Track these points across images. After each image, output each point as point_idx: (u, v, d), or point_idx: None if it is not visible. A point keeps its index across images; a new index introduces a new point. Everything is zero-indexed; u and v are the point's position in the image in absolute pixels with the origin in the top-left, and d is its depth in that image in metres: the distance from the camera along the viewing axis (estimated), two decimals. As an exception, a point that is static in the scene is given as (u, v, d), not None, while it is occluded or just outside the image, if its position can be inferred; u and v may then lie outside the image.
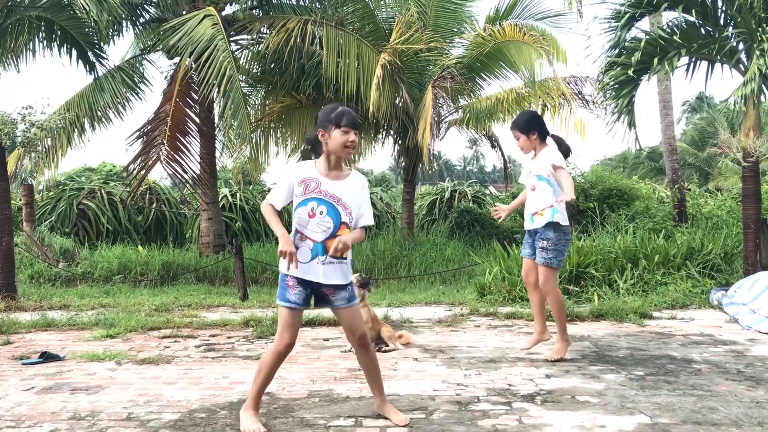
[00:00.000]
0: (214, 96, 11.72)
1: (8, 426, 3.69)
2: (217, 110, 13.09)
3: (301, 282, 3.49)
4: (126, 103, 13.12)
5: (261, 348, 5.75)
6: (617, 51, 8.63)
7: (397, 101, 12.45)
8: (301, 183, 3.51)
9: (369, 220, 3.59)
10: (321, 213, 3.46)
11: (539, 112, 13.13)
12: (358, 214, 3.55)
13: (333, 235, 3.44)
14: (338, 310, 3.61)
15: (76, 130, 12.98)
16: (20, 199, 14.18)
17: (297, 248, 3.47)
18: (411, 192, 14.10)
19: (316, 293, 3.58)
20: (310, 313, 7.23)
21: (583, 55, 28.81)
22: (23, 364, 5.26)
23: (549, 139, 5.20)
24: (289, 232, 3.52)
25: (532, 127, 5.10)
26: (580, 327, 6.58)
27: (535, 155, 5.16)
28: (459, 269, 10.70)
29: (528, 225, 5.15)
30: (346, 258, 3.51)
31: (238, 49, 13.47)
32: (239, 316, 7.06)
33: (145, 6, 13.31)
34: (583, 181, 12.38)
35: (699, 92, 43.04)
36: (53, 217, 15.01)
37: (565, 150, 5.18)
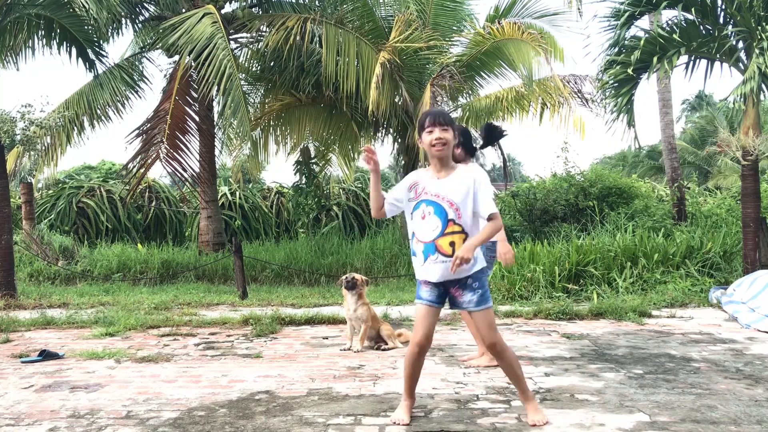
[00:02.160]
0: (214, 94, 11.72)
1: (7, 424, 3.69)
2: (216, 108, 13.10)
3: (431, 282, 3.55)
4: (125, 102, 13.13)
5: (260, 346, 5.75)
6: (617, 49, 8.63)
7: (396, 100, 12.44)
8: (411, 188, 3.62)
9: (486, 209, 3.46)
10: (429, 213, 3.50)
11: (539, 111, 13.14)
12: (472, 207, 3.50)
13: (443, 234, 3.46)
14: (467, 314, 3.67)
15: (75, 128, 12.97)
16: (19, 198, 14.17)
17: (414, 254, 3.58)
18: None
19: (448, 294, 3.61)
20: (309, 311, 7.24)
21: (583, 54, 28.82)
22: (23, 362, 5.27)
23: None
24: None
25: (462, 135, 4.92)
26: (580, 325, 6.59)
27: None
28: (458, 268, 10.68)
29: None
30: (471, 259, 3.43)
31: (237, 48, 13.46)
32: (238, 315, 7.07)
33: (145, 4, 13.30)
34: (582, 179, 12.39)
35: (698, 91, 43.05)
36: (52, 216, 15.01)
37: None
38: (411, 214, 3.59)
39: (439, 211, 3.47)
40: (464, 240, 3.44)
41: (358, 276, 5.65)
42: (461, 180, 3.52)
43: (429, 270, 3.50)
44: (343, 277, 5.71)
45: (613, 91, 8.75)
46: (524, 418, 3.66)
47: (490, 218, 3.45)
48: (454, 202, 3.47)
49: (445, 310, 7.45)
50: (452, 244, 3.44)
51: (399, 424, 3.56)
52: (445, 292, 3.58)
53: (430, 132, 3.52)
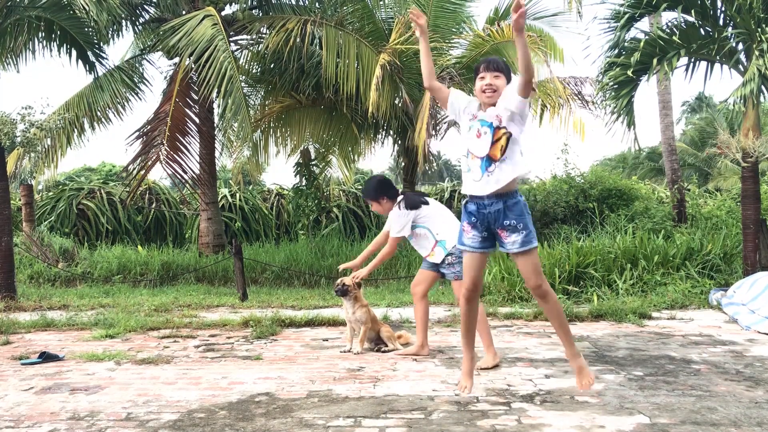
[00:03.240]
0: (214, 96, 11.73)
1: (7, 426, 3.69)
2: (216, 110, 13.10)
3: (475, 226, 3.76)
4: (125, 103, 13.12)
5: (260, 348, 5.75)
6: (617, 51, 8.64)
7: (396, 101, 12.44)
8: (467, 112, 3.85)
9: (518, 87, 3.71)
10: (485, 132, 3.73)
11: (538, 113, 13.14)
12: (514, 120, 3.74)
13: (493, 142, 3.70)
14: (514, 256, 3.78)
15: (75, 130, 12.97)
16: (20, 199, 14.17)
17: (469, 170, 3.79)
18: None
19: (493, 233, 3.77)
20: (309, 313, 7.24)
21: (583, 56, 28.81)
22: (22, 364, 5.27)
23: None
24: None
25: (379, 193, 5.41)
26: (580, 327, 6.58)
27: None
28: (458, 269, 10.68)
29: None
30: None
31: (237, 50, 13.47)
32: (238, 317, 7.06)
33: (145, 6, 13.31)
34: (582, 181, 12.39)
35: (698, 92, 43.02)
36: (53, 217, 15.01)
37: (411, 203, 5.38)
38: (466, 132, 3.83)
39: (489, 125, 3.73)
40: (509, 138, 3.69)
41: (347, 281, 5.65)
42: (501, 98, 3.75)
43: (484, 185, 3.70)
44: (335, 284, 5.75)
45: (612, 93, 8.75)
46: (524, 420, 3.66)
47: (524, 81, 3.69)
48: (500, 116, 3.72)
49: (445, 312, 7.46)
50: (502, 147, 3.69)
51: (463, 392, 3.82)
52: (488, 236, 3.77)
53: (482, 78, 3.76)
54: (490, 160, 3.70)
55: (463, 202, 3.85)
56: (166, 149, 10.83)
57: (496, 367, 4.91)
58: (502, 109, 3.74)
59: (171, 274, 11.31)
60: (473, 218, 3.77)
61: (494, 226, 3.73)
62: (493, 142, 3.70)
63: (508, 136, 3.70)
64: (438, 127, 13.19)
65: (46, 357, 5.37)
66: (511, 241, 3.69)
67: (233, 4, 13.18)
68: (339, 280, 5.69)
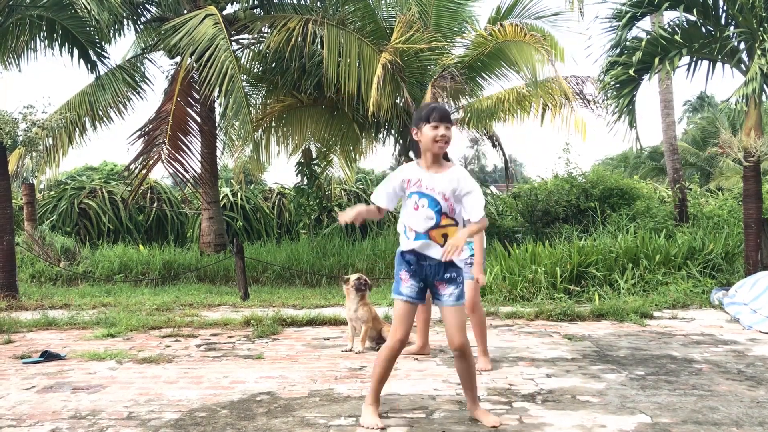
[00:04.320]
0: (216, 95, 11.73)
1: (9, 425, 3.69)
2: (218, 110, 13.11)
3: (413, 275, 3.57)
4: (127, 103, 13.13)
5: (262, 347, 5.76)
6: (618, 50, 8.63)
7: (398, 101, 12.44)
8: (404, 180, 3.61)
9: (475, 213, 3.50)
10: (423, 206, 3.52)
11: (540, 112, 13.14)
12: (461, 205, 3.56)
13: (437, 226, 3.51)
14: (444, 309, 3.61)
15: (77, 129, 12.98)
16: (21, 199, 14.19)
17: (405, 234, 3.58)
18: (412, 191, 14.09)
19: (430, 286, 3.62)
20: (310, 312, 7.24)
21: (584, 55, 28.80)
22: (24, 363, 5.27)
23: None
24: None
25: None
26: (581, 327, 6.58)
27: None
28: (460, 269, 10.68)
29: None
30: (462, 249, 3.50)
31: (239, 49, 13.48)
32: (240, 316, 7.07)
33: (146, 5, 13.32)
34: (584, 180, 12.38)
35: (700, 92, 43.00)
36: (54, 217, 15.02)
37: None
38: (404, 204, 3.63)
39: (434, 205, 3.51)
40: (455, 232, 3.52)
41: (366, 278, 5.67)
42: (453, 177, 3.54)
43: (424, 247, 3.52)
44: (354, 277, 5.66)
45: (614, 92, 8.75)
46: (526, 419, 3.66)
47: (478, 222, 3.56)
48: (448, 197, 3.52)
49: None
50: (445, 236, 3.52)
51: (375, 428, 3.51)
52: (425, 287, 3.62)
53: (436, 128, 3.49)
54: (429, 239, 3.51)
55: (399, 251, 3.63)
56: (167, 148, 10.83)
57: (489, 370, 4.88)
58: (450, 191, 3.50)
59: (172, 274, 11.32)
60: (412, 267, 3.58)
61: (432, 278, 3.57)
62: (436, 226, 3.50)
63: (455, 226, 3.54)
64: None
65: (47, 356, 5.37)
66: (449, 293, 3.55)
67: (234, 3, 13.20)
68: (359, 275, 5.67)
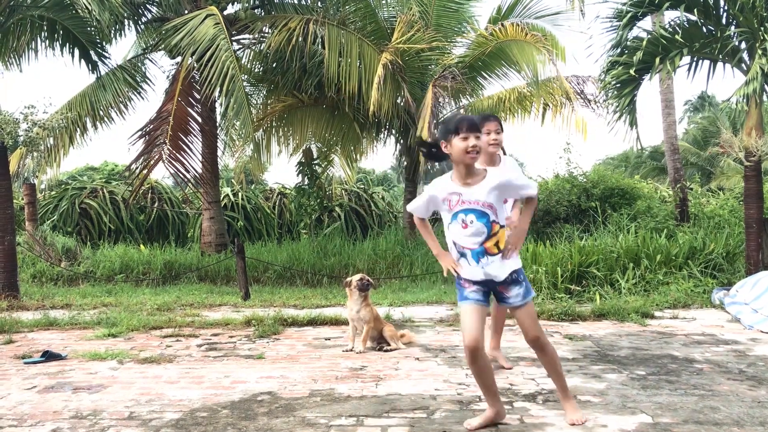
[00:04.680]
0: (217, 95, 11.74)
1: (10, 425, 3.70)
2: (219, 110, 13.11)
3: (476, 283, 3.53)
4: (128, 103, 13.15)
5: (263, 347, 5.76)
6: (619, 50, 8.62)
7: (398, 100, 12.45)
8: (444, 200, 3.54)
9: (528, 191, 3.59)
10: (471, 222, 3.46)
11: (541, 112, 13.14)
12: (511, 197, 3.63)
13: (489, 236, 3.46)
14: (513, 310, 3.60)
15: (78, 129, 13.00)
16: (23, 199, 14.20)
17: (462, 257, 3.53)
18: (413, 191, 14.09)
19: (493, 291, 3.58)
20: (311, 312, 7.24)
21: (585, 55, 28.78)
22: (25, 363, 5.28)
23: None
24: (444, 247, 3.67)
25: None
26: (582, 326, 6.58)
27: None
28: (461, 269, 10.67)
29: None
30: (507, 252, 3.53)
31: (240, 49, 13.49)
32: (241, 316, 7.07)
33: (147, 5, 13.33)
34: (585, 180, 12.37)
35: (701, 91, 42.95)
36: (55, 217, 15.03)
37: None
38: (448, 225, 3.56)
39: (483, 217, 3.46)
40: (504, 234, 3.52)
41: (369, 278, 5.66)
42: (493, 182, 3.48)
43: (482, 271, 3.48)
44: (356, 278, 5.66)
45: (615, 92, 8.74)
46: (527, 419, 3.67)
47: (530, 198, 3.63)
48: (494, 205, 3.48)
49: (447, 311, 7.46)
50: (497, 243, 3.49)
51: (468, 427, 3.54)
52: (489, 291, 3.57)
53: (465, 139, 3.41)
54: (485, 253, 3.47)
55: (458, 279, 3.59)
56: (168, 148, 10.84)
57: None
58: (493, 197, 3.47)
59: (173, 274, 11.32)
60: (473, 281, 3.55)
61: (495, 282, 3.54)
62: (488, 238, 3.46)
63: (503, 228, 3.51)
64: (439, 126, 13.18)
65: (48, 356, 5.38)
66: (515, 294, 3.52)
67: (235, 3, 13.20)
68: (362, 276, 5.66)
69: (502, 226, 3.50)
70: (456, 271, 3.54)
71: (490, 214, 3.46)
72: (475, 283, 3.52)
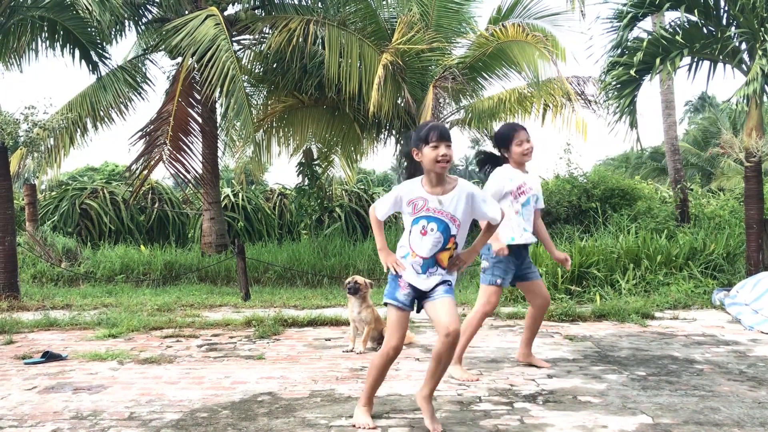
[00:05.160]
0: (217, 96, 11.75)
1: (11, 425, 3.70)
2: (219, 110, 13.11)
3: (412, 287, 3.56)
4: (128, 103, 13.15)
5: (263, 348, 5.76)
6: (619, 51, 8.63)
7: (399, 101, 12.45)
8: (410, 203, 3.54)
9: (495, 215, 3.57)
10: (432, 230, 3.48)
11: (541, 112, 13.14)
12: (474, 219, 3.61)
13: (443, 248, 3.49)
14: (430, 302, 3.57)
15: (78, 129, 13.00)
16: (23, 199, 14.21)
17: (407, 261, 3.56)
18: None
19: (420, 295, 3.60)
20: (311, 312, 7.25)
21: (585, 55, 28.76)
22: (26, 363, 5.28)
23: None
24: (393, 249, 3.70)
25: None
26: (582, 327, 6.58)
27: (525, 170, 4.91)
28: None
29: (528, 239, 4.78)
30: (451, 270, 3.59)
31: (240, 49, 13.49)
32: (241, 316, 7.07)
33: (148, 6, 13.33)
34: (585, 181, 12.38)
35: (701, 92, 42.97)
36: (56, 217, 15.04)
37: None
38: (409, 228, 3.56)
39: (443, 228, 3.48)
40: (454, 251, 3.54)
41: (360, 280, 5.64)
42: (463, 193, 3.50)
43: (425, 281, 3.53)
44: (346, 281, 5.69)
45: (615, 93, 8.75)
46: (527, 420, 3.67)
47: (496, 224, 3.64)
48: (457, 219, 3.49)
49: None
50: (450, 257, 3.55)
51: (367, 427, 3.53)
52: (416, 297, 3.59)
53: (436, 147, 3.43)
54: (435, 263, 3.51)
55: (400, 274, 3.59)
56: (168, 149, 10.84)
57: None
58: (461, 211, 3.48)
59: (174, 274, 11.33)
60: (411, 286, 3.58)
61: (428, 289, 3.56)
62: (442, 249, 3.49)
63: (456, 248, 3.54)
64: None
65: (49, 356, 5.38)
66: (440, 291, 3.53)
67: (236, 4, 13.21)
68: (351, 278, 5.67)
69: (457, 244, 3.53)
70: (396, 270, 3.57)
71: (452, 227, 3.48)
72: (410, 286, 3.55)
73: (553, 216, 11.80)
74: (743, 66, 8.25)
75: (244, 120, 10.96)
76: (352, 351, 5.53)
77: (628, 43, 8.58)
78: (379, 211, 3.70)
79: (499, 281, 4.67)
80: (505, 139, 4.76)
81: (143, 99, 13.35)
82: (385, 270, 3.64)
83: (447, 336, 3.41)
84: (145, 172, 11.13)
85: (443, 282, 3.55)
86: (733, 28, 8.20)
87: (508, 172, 4.75)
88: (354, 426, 3.56)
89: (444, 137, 3.45)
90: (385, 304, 3.66)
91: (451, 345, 3.44)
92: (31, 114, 8.59)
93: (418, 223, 3.50)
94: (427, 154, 3.46)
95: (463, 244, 3.60)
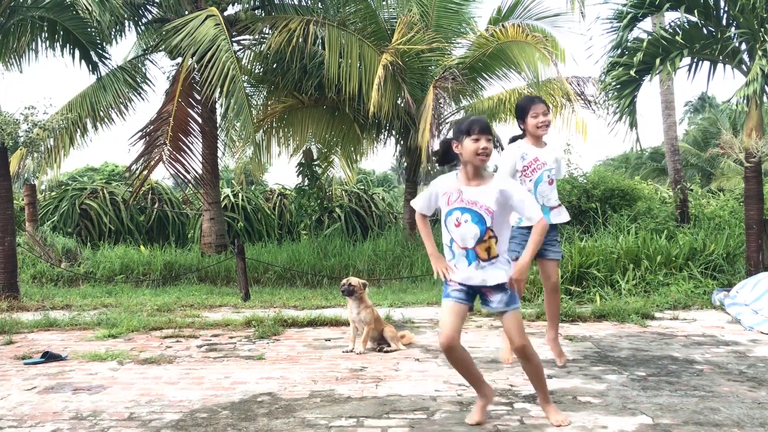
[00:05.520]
0: (217, 96, 11.75)
1: (10, 426, 3.70)
2: (219, 110, 13.12)
3: (462, 283, 3.57)
4: (128, 103, 13.14)
5: (263, 348, 5.76)
6: (619, 51, 8.62)
7: (398, 101, 12.45)
8: (444, 194, 3.60)
9: (532, 216, 3.57)
10: (466, 221, 3.51)
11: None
12: (514, 212, 3.63)
13: (481, 240, 3.49)
14: (499, 316, 3.64)
15: (78, 130, 13.00)
16: (23, 199, 14.20)
17: (454, 254, 3.57)
18: (413, 192, 14.09)
19: (478, 292, 3.62)
20: (311, 313, 7.24)
21: (585, 56, 28.77)
22: (25, 363, 5.28)
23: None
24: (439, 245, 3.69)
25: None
26: (582, 327, 6.58)
27: (541, 143, 4.86)
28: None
29: (548, 218, 4.65)
30: (497, 257, 3.55)
31: (240, 50, 13.49)
32: (241, 316, 7.07)
33: (148, 6, 13.33)
34: (585, 181, 12.37)
35: (701, 92, 42.98)
36: (56, 217, 15.03)
37: None
38: (444, 221, 3.59)
39: (478, 219, 3.49)
40: (495, 243, 3.52)
41: (354, 281, 5.63)
42: (496, 188, 3.52)
43: (471, 274, 3.53)
44: (341, 283, 5.70)
45: (615, 93, 8.74)
46: (527, 420, 3.66)
47: (539, 223, 3.58)
48: (491, 210, 3.50)
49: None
50: (488, 249, 3.52)
51: (470, 422, 3.60)
52: (474, 292, 3.60)
53: (477, 140, 3.49)
54: (476, 256, 3.52)
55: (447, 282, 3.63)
56: (168, 149, 10.84)
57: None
58: (495, 203, 3.49)
59: (173, 274, 11.32)
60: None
61: (480, 287, 3.59)
62: (479, 241, 3.51)
63: (496, 240, 3.52)
64: (440, 128, 13.19)
65: (48, 357, 5.38)
66: (498, 299, 3.55)
67: (236, 4, 13.21)
68: (345, 280, 5.67)
69: (496, 237, 3.51)
70: (445, 276, 3.59)
71: (487, 218, 3.49)
72: (460, 283, 3.56)
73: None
74: (743, 66, 8.25)
75: (244, 120, 10.96)
76: (351, 351, 5.53)
77: (628, 44, 8.58)
78: (416, 203, 3.76)
79: (515, 257, 4.49)
80: (521, 110, 4.74)
81: (143, 99, 13.36)
82: (435, 276, 3.65)
83: (517, 352, 3.62)
84: (145, 172, 11.13)
85: (499, 288, 3.53)
86: (733, 29, 8.20)
87: (519, 149, 4.72)
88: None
89: (485, 131, 3.52)
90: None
91: (524, 359, 3.61)
92: (31, 114, 8.59)
93: (452, 214, 3.55)
94: (467, 147, 3.51)
95: (504, 241, 3.58)
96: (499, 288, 3.54)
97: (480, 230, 3.49)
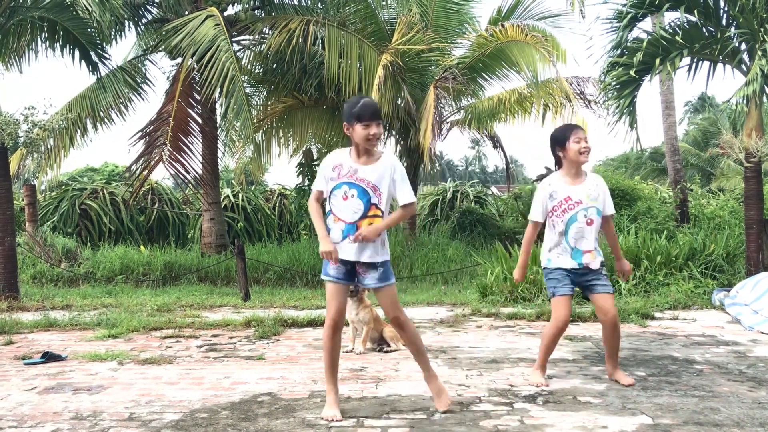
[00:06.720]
0: (217, 96, 11.75)
1: (10, 426, 3.70)
2: (219, 110, 13.12)
3: (338, 260, 3.71)
4: (128, 104, 13.16)
5: (263, 348, 5.76)
6: (619, 51, 8.62)
7: (398, 102, 12.46)
8: (335, 168, 3.74)
9: (404, 198, 3.73)
10: (352, 196, 3.67)
11: (541, 113, 13.13)
12: (391, 194, 3.74)
13: (364, 216, 3.66)
14: (375, 291, 3.83)
15: (78, 130, 13.01)
16: (23, 200, 14.20)
17: (329, 229, 3.73)
18: (413, 192, 14.10)
19: (353, 270, 3.78)
20: (311, 313, 7.24)
21: (585, 56, 28.76)
22: (25, 364, 5.27)
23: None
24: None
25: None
26: (582, 327, 6.58)
27: (579, 177, 4.46)
28: (461, 270, 10.70)
29: (578, 262, 4.39)
30: (374, 240, 3.69)
31: (240, 50, 13.50)
32: (241, 317, 7.07)
33: (148, 6, 13.33)
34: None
35: (701, 92, 42.97)
36: (56, 218, 15.03)
37: None
38: (330, 192, 3.74)
39: (362, 194, 3.67)
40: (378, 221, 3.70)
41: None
42: (384, 167, 3.71)
43: (345, 248, 3.69)
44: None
45: (615, 93, 8.74)
46: (527, 420, 3.67)
47: (404, 206, 3.77)
48: (378, 188, 3.68)
49: (447, 312, 7.46)
50: (371, 225, 3.66)
51: (334, 420, 3.66)
52: (353, 270, 3.77)
53: (367, 126, 3.63)
54: (356, 231, 3.66)
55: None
56: (168, 149, 10.84)
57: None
58: (381, 181, 3.68)
59: (173, 275, 11.32)
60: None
61: (354, 263, 3.76)
62: (363, 216, 3.66)
63: (381, 217, 3.69)
64: (441, 128, 13.20)
65: (48, 357, 5.38)
66: (370, 277, 3.74)
67: (236, 4, 13.21)
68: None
69: (382, 216, 3.68)
70: (330, 259, 3.70)
71: (372, 195, 3.67)
72: (340, 261, 3.71)
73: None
74: (743, 66, 8.25)
75: (244, 120, 10.96)
76: (351, 351, 5.53)
77: (628, 44, 8.58)
78: (315, 184, 3.86)
79: (552, 291, 4.39)
80: (560, 137, 4.39)
81: (143, 99, 13.37)
82: (320, 254, 3.75)
83: (392, 322, 3.89)
84: (145, 172, 11.14)
85: (372, 267, 3.72)
86: (732, 29, 8.20)
87: (549, 187, 4.41)
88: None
89: (375, 116, 3.66)
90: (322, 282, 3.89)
91: (399, 328, 3.85)
92: (31, 114, 8.59)
93: (341, 188, 3.70)
94: (358, 132, 3.65)
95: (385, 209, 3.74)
96: (372, 266, 3.72)
97: (364, 206, 3.65)
